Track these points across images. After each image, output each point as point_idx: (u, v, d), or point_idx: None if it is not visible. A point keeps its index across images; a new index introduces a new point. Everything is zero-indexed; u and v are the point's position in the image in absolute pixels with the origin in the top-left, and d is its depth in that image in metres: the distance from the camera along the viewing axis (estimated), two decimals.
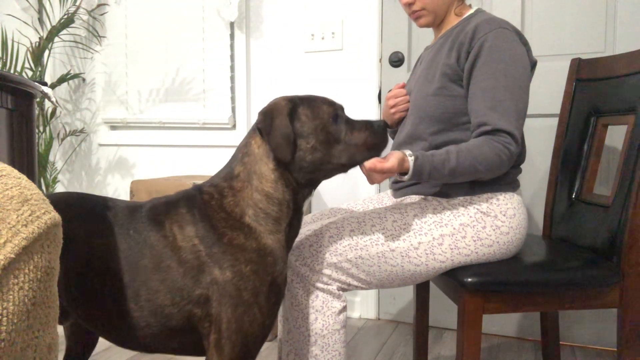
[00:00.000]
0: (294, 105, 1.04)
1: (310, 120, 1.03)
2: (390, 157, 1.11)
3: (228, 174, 1.05)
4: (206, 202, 1.02)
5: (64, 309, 1.00)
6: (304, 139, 1.02)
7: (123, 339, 1.02)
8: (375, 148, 1.07)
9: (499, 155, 1.17)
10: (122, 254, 0.97)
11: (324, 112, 1.04)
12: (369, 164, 1.07)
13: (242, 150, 1.06)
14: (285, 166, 1.03)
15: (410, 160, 1.13)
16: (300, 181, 1.05)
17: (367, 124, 1.08)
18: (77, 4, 2.70)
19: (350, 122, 1.07)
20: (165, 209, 1.03)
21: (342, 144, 1.05)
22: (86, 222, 1.00)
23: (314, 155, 1.02)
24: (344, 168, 1.07)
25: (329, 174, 1.07)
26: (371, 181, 1.12)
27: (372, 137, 1.07)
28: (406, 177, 1.15)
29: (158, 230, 0.99)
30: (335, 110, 1.05)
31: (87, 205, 1.04)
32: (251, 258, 0.97)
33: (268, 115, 1.02)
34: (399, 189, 1.39)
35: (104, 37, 2.84)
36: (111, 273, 0.97)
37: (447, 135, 1.29)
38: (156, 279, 0.96)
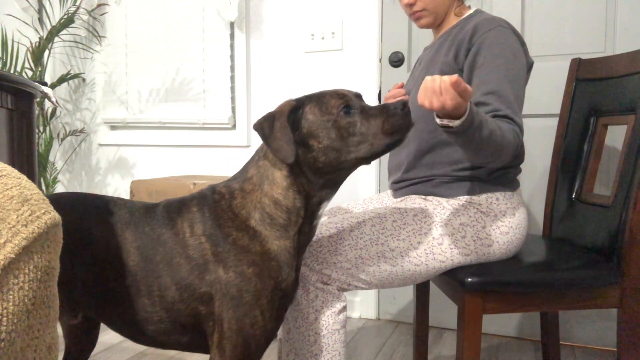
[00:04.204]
0: (300, 105, 1.00)
1: (319, 117, 0.97)
2: None
3: (242, 176, 1.05)
4: (216, 202, 1.02)
5: (74, 307, 1.01)
6: (314, 139, 0.97)
7: (137, 334, 1.04)
8: (395, 132, 0.96)
9: (515, 138, 1.13)
10: (137, 250, 0.99)
11: (332, 106, 0.97)
12: (454, 77, 0.92)
13: (259, 153, 1.05)
14: (300, 171, 0.99)
15: (468, 103, 0.99)
16: (317, 183, 1.00)
17: (383, 108, 0.97)
18: (77, 4, 2.70)
19: (365, 110, 0.98)
20: (179, 207, 1.04)
21: (357, 136, 0.96)
22: (103, 221, 1.03)
23: (328, 156, 0.96)
24: (365, 161, 0.99)
25: (350, 170, 1.00)
26: (437, 103, 0.95)
27: (390, 121, 0.96)
28: (459, 122, 0.99)
29: (171, 227, 1.01)
30: (346, 101, 0.97)
31: (103, 206, 1.06)
32: (254, 260, 0.97)
33: (268, 119, 0.97)
34: (399, 189, 1.39)
35: (104, 37, 2.84)
36: (127, 269, 0.99)
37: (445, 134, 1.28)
38: (167, 275, 0.97)
